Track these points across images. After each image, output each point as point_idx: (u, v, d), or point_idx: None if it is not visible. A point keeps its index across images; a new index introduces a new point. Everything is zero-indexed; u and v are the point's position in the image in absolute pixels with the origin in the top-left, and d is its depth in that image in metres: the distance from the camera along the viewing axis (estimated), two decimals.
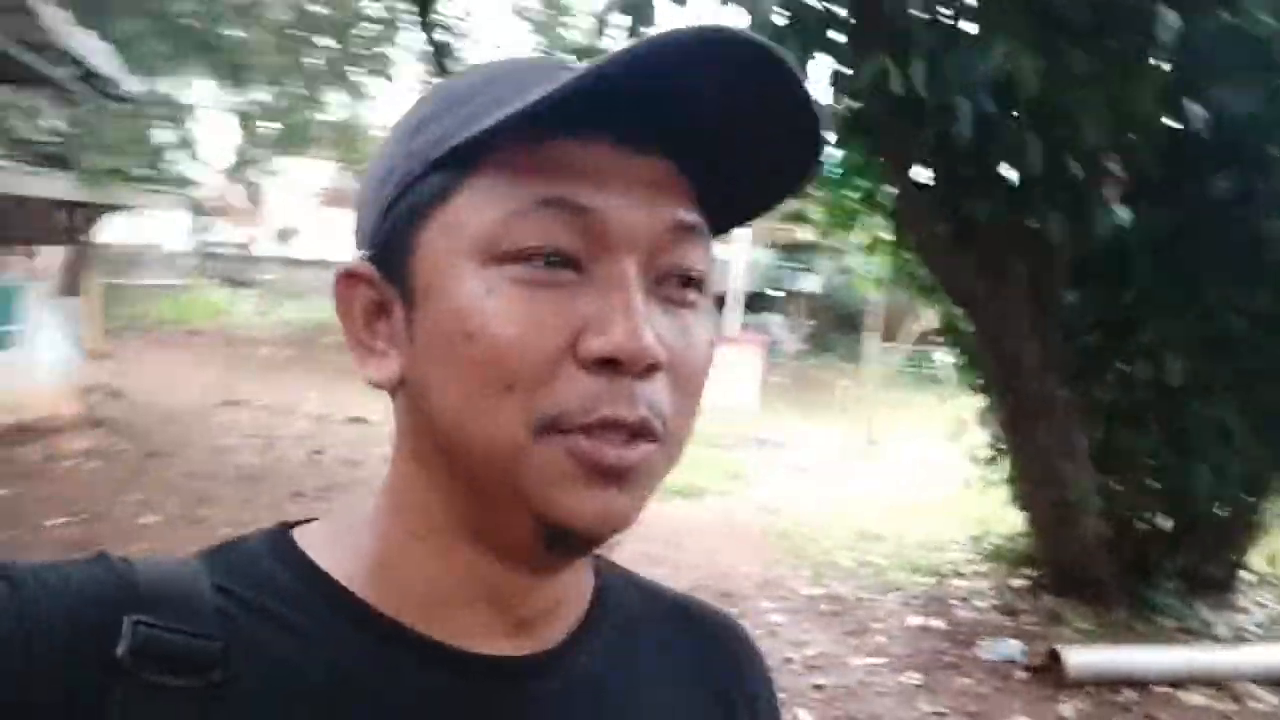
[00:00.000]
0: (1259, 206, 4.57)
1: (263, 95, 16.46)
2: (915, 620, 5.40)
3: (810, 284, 20.89)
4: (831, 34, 4.05)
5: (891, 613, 5.55)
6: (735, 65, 0.45)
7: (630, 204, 0.47)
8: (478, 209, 0.47)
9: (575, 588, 0.56)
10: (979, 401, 6.29)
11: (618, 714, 0.55)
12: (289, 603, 0.49)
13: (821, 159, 0.50)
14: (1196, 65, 4.05)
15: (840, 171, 5.76)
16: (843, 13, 3.95)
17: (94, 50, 7.82)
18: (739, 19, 3.75)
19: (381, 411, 12.18)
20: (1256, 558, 5.86)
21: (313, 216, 24.95)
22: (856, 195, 6.01)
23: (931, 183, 4.81)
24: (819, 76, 4.06)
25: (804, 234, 10.46)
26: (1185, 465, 5.11)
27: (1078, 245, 4.53)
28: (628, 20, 3.98)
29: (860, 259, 8.56)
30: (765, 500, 8.59)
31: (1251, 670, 4.59)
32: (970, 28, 3.81)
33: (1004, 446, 5.95)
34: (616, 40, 4.48)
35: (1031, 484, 5.40)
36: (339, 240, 26.15)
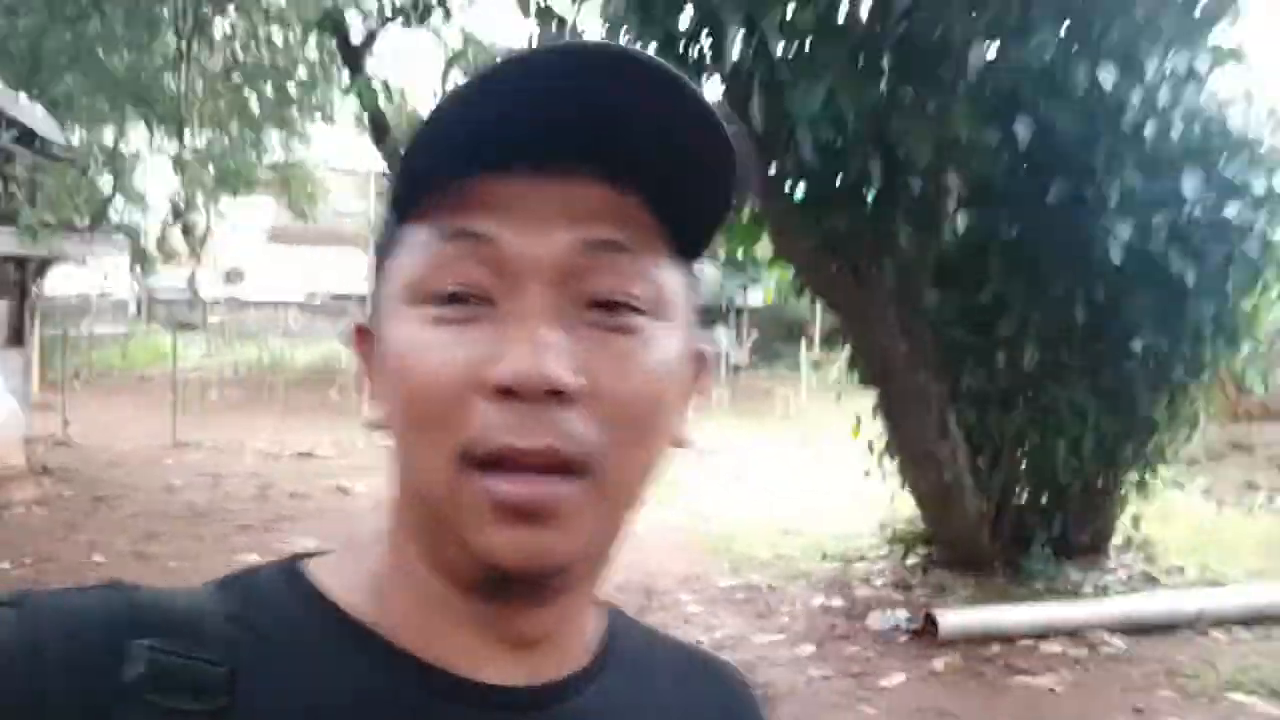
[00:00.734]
0: (1088, 210, 5.16)
1: (202, 140, 16.72)
2: (818, 601, 5.90)
3: (756, 298, 21.52)
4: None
5: (797, 596, 6.04)
6: (627, 82, 0.45)
7: (531, 230, 0.47)
8: (410, 252, 0.49)
9: (575, 615, 0.55)
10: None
11: None
12: (295, 630, 0.50)
13: (737, 169, 0.49)
14: (1012, 90, 4.64)
15: None
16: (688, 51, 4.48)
17: (29, 112, 8.17)
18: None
19: (329, 446, 12.40)
20: (1124, 522, 6.45)
21: (259, 257, 25.12)
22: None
23: (800, 198, 5.36)
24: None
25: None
26: (1047, 443, 5.69)
27: (928, 251, 5.10)
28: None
29: None
30: (700, 507, 9.03)
31: (1103, 620, 5.15)
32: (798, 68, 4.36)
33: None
34: None
35: (914, 469, 5.94)
36: (286, 279, 26.34)
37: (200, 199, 19.31)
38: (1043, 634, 5.08)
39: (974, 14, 4.06)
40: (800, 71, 4.15)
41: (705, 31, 4.47)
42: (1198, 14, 4.74)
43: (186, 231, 20.44)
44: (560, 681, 0.53)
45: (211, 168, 17.32)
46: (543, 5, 4.89)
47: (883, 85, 4.23)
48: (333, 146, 19.00)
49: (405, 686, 0.50)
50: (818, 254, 5.34)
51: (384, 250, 0.51)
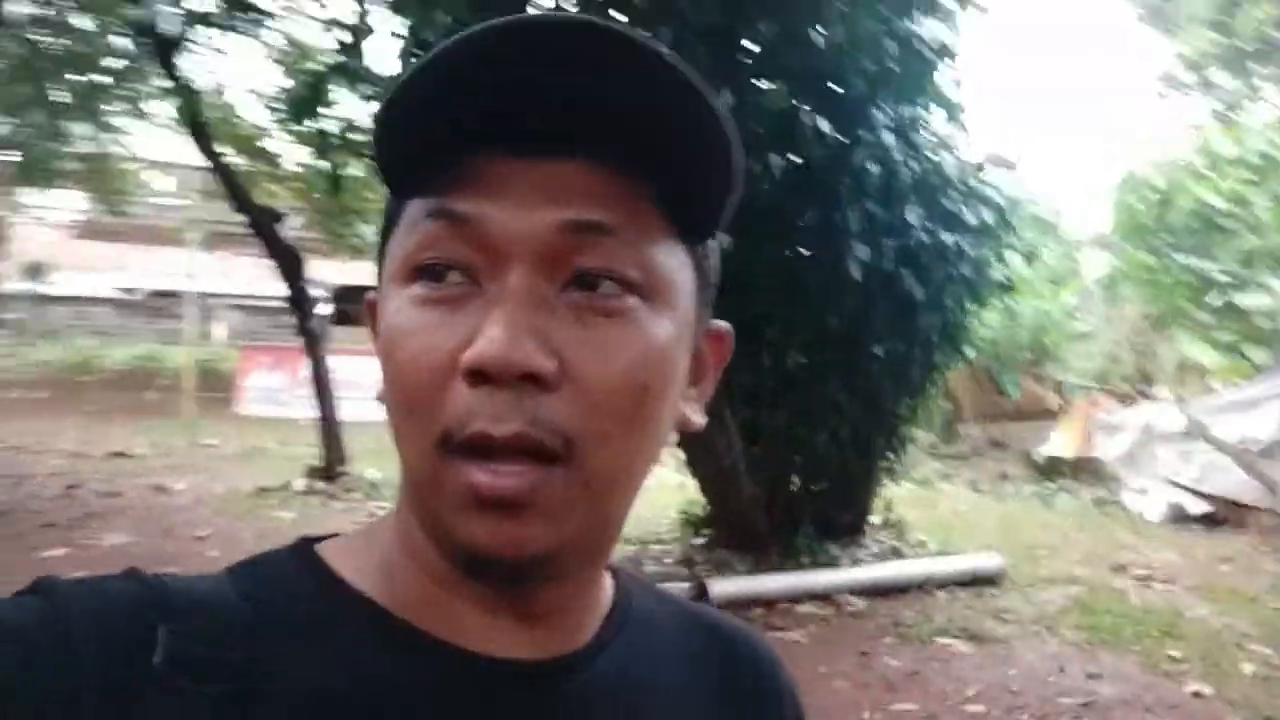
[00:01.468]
0: (836, 232, 6.00)
1: (1, 128, 15.79)
2: None
3: None
4: None
5: None
6: (590, 61, 0.44)
7: (512, 209, 0.46)
8: (403, 232, 0.49)
9: (585, 588, 0.55)
10: None
11: (637, 718, 0.55)
12: (311, 611, 0.51)
13: (732, 142, 0.47)
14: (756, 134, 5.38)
15: None
16: None
17: None
18: None
19: (145, 447, 12.14)
20: (880, 505, 7.44)
21: (65, 251, 23.71)
22: None
23: None
24: None
25: None
26: (811, 435, 6.53)
27: None
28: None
29: None
30: None
31: (848, 585, 6.03)
32: None
33: None
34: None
35: (698, 460, 6.66)
36: (94, 275, 24.91)
37: None
38: (797, 598, 5.88)
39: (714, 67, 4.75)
40: None
41: None
42: (921, 64, 5.61)
43: None
44: (570, 654, 0.54)
45: (8, 158, 16.35)
46: None
47: None
48: (151, 140, 18.28)
49: (416, 663, 0.50)
50: None
51: (384, 230, 0.52)
